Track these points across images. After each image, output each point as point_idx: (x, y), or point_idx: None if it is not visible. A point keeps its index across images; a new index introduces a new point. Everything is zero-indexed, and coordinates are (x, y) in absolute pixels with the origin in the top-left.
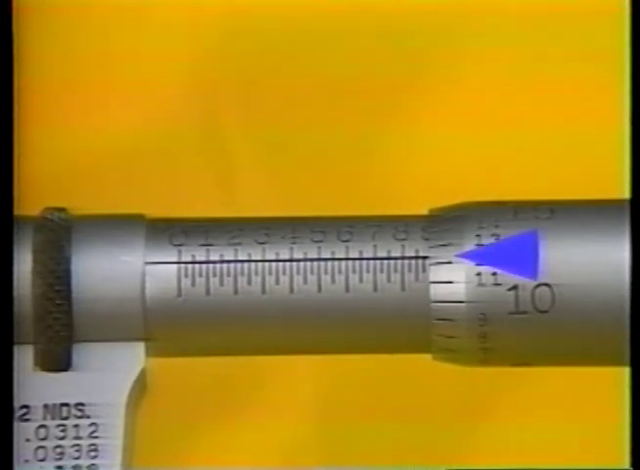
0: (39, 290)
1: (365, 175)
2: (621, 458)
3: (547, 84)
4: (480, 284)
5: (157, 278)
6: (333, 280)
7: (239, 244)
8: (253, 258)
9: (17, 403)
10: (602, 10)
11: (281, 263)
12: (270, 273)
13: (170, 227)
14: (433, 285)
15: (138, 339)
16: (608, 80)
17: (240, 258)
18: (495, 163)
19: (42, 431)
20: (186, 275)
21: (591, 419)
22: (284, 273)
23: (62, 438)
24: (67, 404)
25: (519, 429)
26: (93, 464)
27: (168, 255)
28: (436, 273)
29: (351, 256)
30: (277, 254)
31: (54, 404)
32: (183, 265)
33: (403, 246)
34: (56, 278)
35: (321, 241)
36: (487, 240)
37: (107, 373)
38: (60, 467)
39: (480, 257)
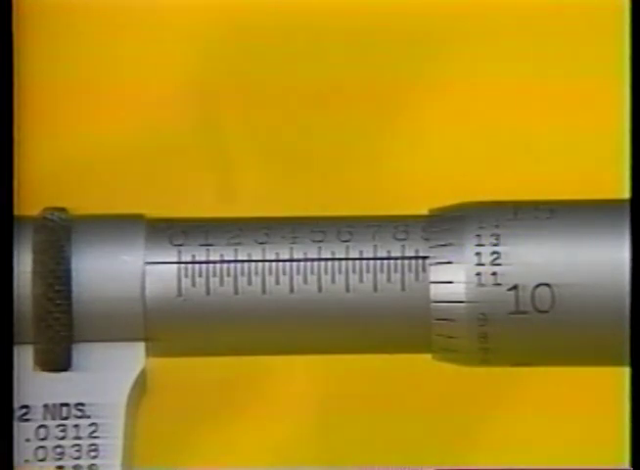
0: (39, 290)
1: (365, 175)
2: (621, 458)
3: (547, 84)
4: (480, 284)
5: (157, 278)
6: (333, 280)
7: (239, 244)
8: (253, 257)
9: (17, 403)
10: (602, 10)
11: (281, 263)
12: (270, 273)
13: (170, 227)
14: (433, 285)
15: (138, 339)
16: (608, 81)
17: (240, 258)
18: (495, 163)
19: (42, 431)
20: (186, 275)
21: (591, 419)
22: (284, 273)
23: (62, 438)
24: (67, 404)
25: (519, 429)
26: (93, 464)
27: (168, 255)
28: (436, 273)
29: (351, 256)
30: (277, 254)
31: (54, 404)
32: (183, 265)
33: (403, 246)
34: (56, 278)
35: (321, 241)
36: (487, 240)
37: (107, 373)
38: (60, 467)
39: (480, 257)
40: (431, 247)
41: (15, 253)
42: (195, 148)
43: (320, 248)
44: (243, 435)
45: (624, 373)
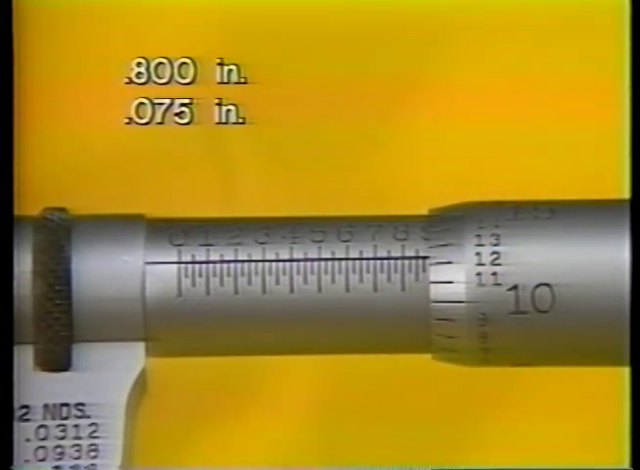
0: (39, 290)
1: (365, 175)
2: (621, 458)
3: (547, 84)
4: (480, 284)
5: (157, 278)
6: (333, 280)
7: (239, 244)
8: (253, 257)
9: (17, 403)
10: (602, 10)
11: (281, 263)
12: (270, 273)
13: (170, 227)
14: (433, 285)
15: (138, 339)
16: (608, 80)
17: (240, 258)
18: (495, 163)
19: (42, 431)
20: (186, 275)
21: (591, 419)
22: (284, 273)
23: (62, 438)
24: (67, 404)
25: (519, 429)
26: (93, 464)
27: (168, 255)
28: (436, 273)
29: (351, 256)
30: (277, 254)
31: (54, 404)
32: (183, 265)
33: (403, 246)
34: (56, 278)
35: (321, 241)
36: (487, 240)
37: (107, 373)
38: (59, 467)
39: (480, 257)
40: (431, 247)
41: (15, 253)
42: (195, 148)
43: (320, 248)
44: (242, 435)
45: (624, 373)
